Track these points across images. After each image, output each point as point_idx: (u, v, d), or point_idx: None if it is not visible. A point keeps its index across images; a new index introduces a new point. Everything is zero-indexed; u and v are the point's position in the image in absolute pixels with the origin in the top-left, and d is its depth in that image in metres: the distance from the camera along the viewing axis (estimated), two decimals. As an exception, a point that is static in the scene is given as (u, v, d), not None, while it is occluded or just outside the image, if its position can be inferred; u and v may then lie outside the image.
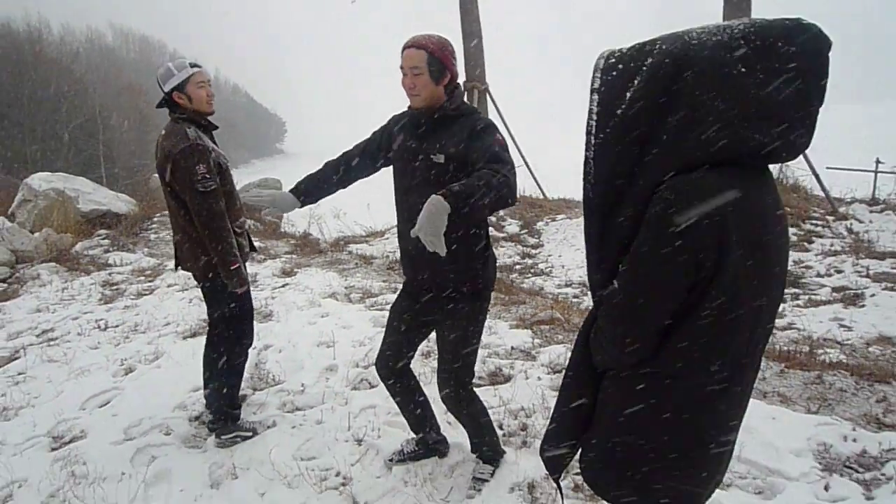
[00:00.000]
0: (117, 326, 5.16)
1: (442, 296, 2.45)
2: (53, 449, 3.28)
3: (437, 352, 2.68)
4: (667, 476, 1.40)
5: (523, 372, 3.74)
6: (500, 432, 3.12)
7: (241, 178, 12.19)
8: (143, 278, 6.73)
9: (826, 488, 2.47)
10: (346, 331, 4.62)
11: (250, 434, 3.30)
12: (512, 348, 4.19)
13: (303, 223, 10.83)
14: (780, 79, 1.15)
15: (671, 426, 1.36)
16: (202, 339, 4.70)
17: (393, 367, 2.68)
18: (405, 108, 2.49)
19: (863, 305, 6.56)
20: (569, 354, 3.91)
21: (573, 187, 13.50)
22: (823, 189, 9.87)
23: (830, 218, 9.54)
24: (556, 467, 1.65)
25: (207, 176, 2.86)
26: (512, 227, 10.85)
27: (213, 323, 3.33)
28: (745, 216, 1.19)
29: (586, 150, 1.31)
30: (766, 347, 1.44)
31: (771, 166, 1.34)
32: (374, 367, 2.80)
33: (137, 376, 4.11)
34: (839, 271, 7.73)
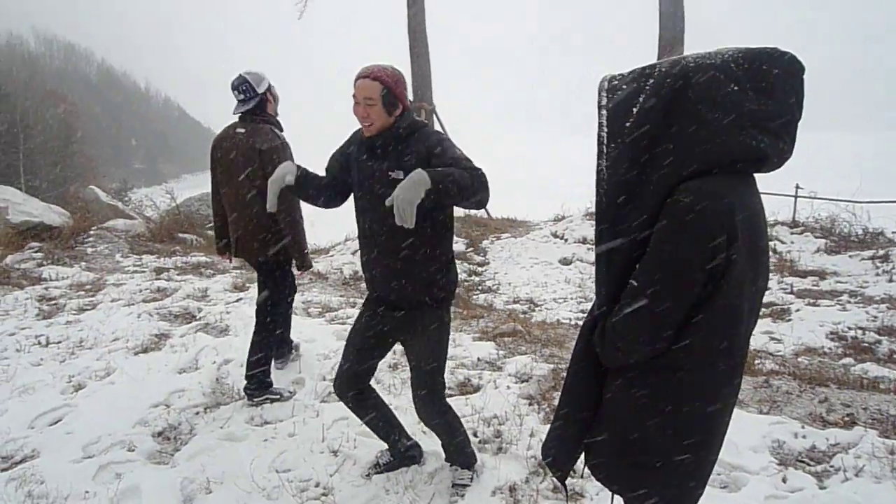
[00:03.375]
0: (60, 342, 4.91)
1: (405, 310, 2.51)
2: (3, 469, 3.09)
3: (407, 365, 2.72)
4: (677, 467, 1.50)
5: (492, 382, 3.82)
6: (474, 439, 3.18)
7: (176, 192, 11.85)
8: (83, 293, 6.42)
9: (784, 480, 2.68)
10: (310, 344, 4.59)
11: (277, 397, 3.72)
12: (478, 359, 4.28)
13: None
14: (767, 96, 1.33)
15: (681, 418, 1.45)
16: (156, 355, 4.60)
17: (353, 388, 2.69)
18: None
19: (789, 320, 7.04)
20: (534, 365, 4.04)
21: (517, 207, 13.83)
22: (750, 212, 10.53)
23: (757, 239, 10.19)
24: (562, 470, 1.71)
25: None
26: (458, 245, 11.01)
27: (266, 300, 3.73)
28: (746, 216, 1.34)
29: (599, 159, 1.43)
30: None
31: None
32: None
33: (89, 393, 3.93)
34: (767, 289, 8.27)
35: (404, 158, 2.35)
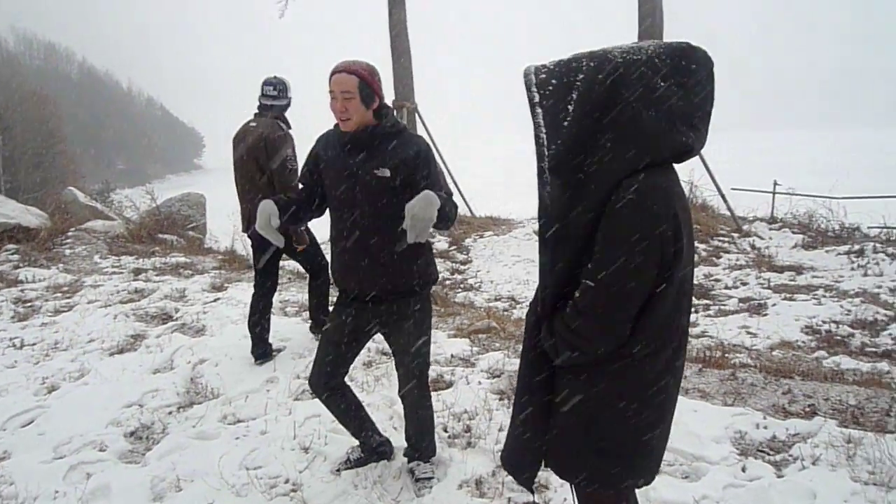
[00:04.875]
0: (34, 344, 4.88)
1: (390, 299, 2.55)
2: (-27, 471, 3.08)
3: (392, 355, 2.76)
4: (630, 455, 1.53)
5: (464, 378, 3.86)
6: (444, 434, 3.22)
7: (160, 193, 11.77)
8: (59, 295, 6.38)
9: (743, 469, 2.74)
10: (285, 343, 4.60)
11: None
12: (452, 356, 4.31)
13: (226, 239, 10.60)
14: (688, 90, 1.38)
15: (632, 409, 1.48)
16: (130, 355, 4.60)
17: (329, 384, 2.71)
18: (331, 128, 2.57)
19: (766, 314, 7.15)
20: (507, 360, 4.08)
21: (498, 205, 13.87)
22: (729, 208, 10.69)
23: (736, 235, 10.34)
24: (527, 480, 1.69)
25: (293, 158, 3.94)
26: (441, 243, 11.04)
27: (303, 265, 4.50)
28: (682, 206, 1.40)
29: (540, 161, 1.42)
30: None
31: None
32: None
33: (63, 394, 3.92)
34: (744, 283, 8.39)
35: (389, 157, 2.40)
